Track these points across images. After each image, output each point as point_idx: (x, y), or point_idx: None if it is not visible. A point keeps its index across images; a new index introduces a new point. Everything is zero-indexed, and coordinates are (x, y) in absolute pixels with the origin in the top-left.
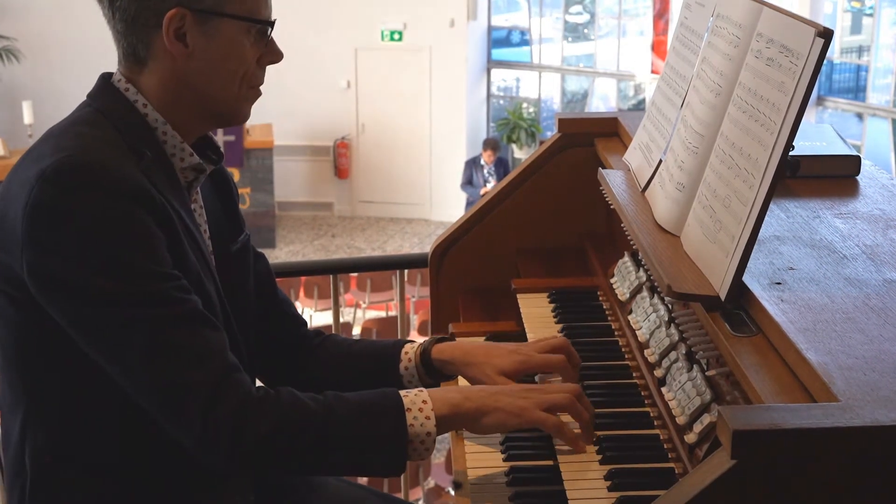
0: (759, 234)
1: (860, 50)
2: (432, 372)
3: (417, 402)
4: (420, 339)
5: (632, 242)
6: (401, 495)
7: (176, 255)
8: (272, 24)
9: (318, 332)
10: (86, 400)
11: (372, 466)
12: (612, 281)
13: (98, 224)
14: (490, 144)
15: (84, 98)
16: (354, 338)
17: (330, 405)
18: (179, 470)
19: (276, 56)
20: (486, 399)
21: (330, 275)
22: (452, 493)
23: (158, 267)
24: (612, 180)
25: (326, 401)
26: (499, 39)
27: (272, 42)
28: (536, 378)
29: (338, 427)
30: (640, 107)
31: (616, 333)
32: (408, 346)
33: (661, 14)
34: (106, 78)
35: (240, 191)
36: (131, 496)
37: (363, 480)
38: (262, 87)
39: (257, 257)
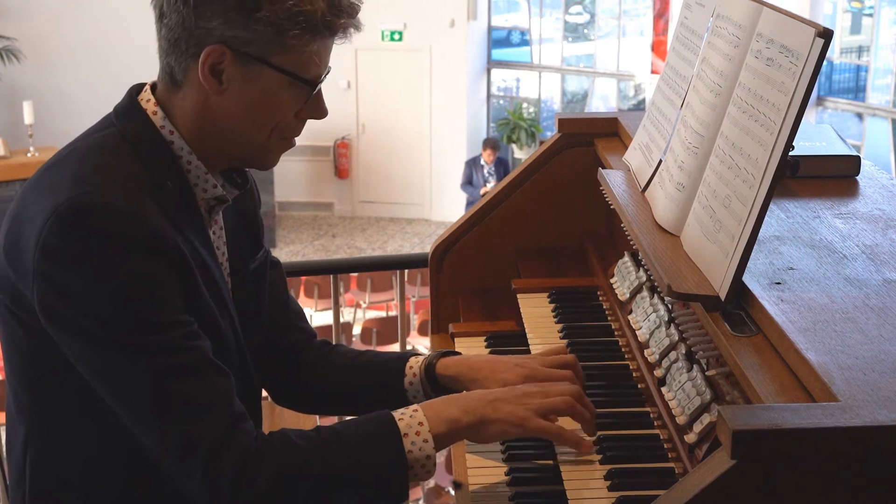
0: (759, 234)
1: (860, 50)
2: (437, 388)
3: (414, 425)
4: (424, 349)
5: (632, 242)
6: None
7: (190, 297)
8: (315, 84)
9: (325, 342)
10: (87, 423)
11: (374, 498)
12: (612, 281)
13: (108, 274)
14: (490, 144)
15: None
16: (360, 349)
17: (326, 446)
18: (176, 498)
19: (319, 114)
20: (485, 409)
21: (330, 275)
22: (452, 493)
23: (168, 316)
24: (612, 180)
25: (322, 440)
26: (499, 39)
27: (319, 98)
28: None
29: (336, 468)
30: (640, 107)
31: (616, 333)
32: (412, 361)
33: (661, 14)
34: (134, 94)
35: None
36: None
37: None
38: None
39: (273, 266)
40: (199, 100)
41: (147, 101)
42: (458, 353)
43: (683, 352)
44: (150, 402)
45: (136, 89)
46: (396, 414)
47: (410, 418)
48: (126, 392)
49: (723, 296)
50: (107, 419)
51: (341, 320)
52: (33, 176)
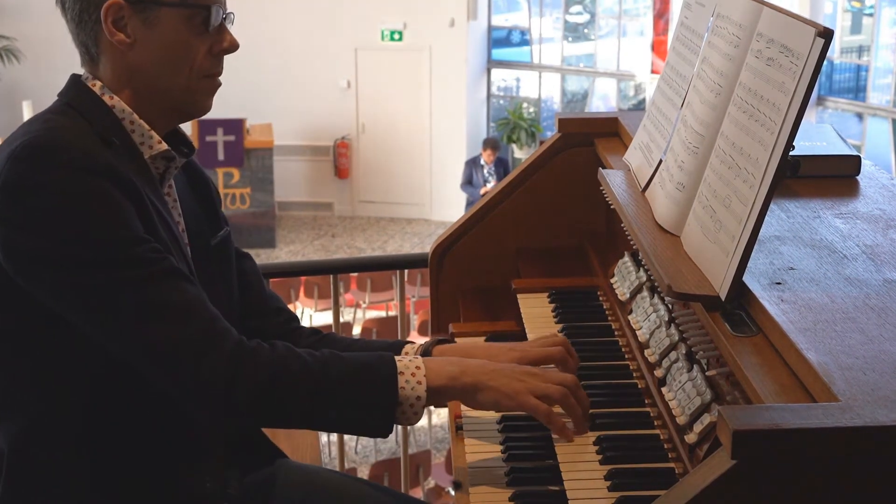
0: (760, 234)
1: (860, 50)
2: None
3: (411, 367)
4: (419, 340)
5: (632, 242)
6: None
7: (146, 229)
8: (210, 9)
9: (316, 330)
10: (62, 378)
11: (360, 425)
12: (612, 281)
13: (67, 197)
14: (490, 144)
15: None
16: (352, 338)
17: (325, 361)
18: (158, 446)
19: (227, 44)
20: (483, 376)
21: (330, 275)
22: (452, 493)
23: (129, 232)
24: (613, 180)
25: (322, 357)
26: (499, 39)
27: (223, 29)
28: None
29: (331, 382)
30: (640, 107)
31: (616, 333)
32: (408, 347)
33: (661, 14)
34: (75, 77)
35: (240, 191)
36: (109, 474)
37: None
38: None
39: (242, 256)
40: (117, 62)
41: (86, 78)
42: (453, 341)
43: (684, 352)
44: (128, 316)
45: (77, 75)
46: (397, 357)
47: (409, 362)
48: (103, 312)
49: (723, 296)
50: (78, 368)
51: (341, 320)
52: None
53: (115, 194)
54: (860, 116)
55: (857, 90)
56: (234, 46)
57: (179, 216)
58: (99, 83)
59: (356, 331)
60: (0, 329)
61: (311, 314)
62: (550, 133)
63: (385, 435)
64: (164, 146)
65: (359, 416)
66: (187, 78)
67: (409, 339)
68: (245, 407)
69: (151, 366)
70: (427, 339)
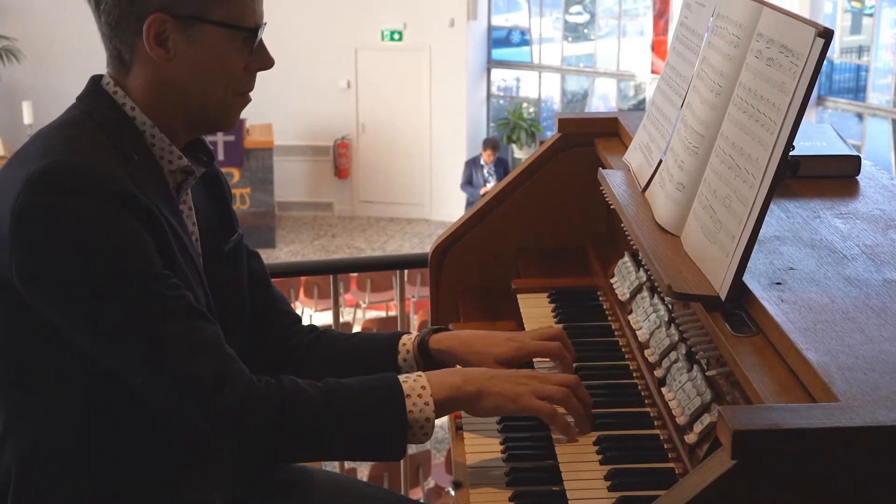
0: (760, 234)
1: (860, 50)
2: (431, 362)
3: (416, 387)
4: (416, 331)
5: (632, 242)
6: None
7: (165, 258)
8: (256, 31)
9: (313, 327)
10: (71, 395)
11: (373, 452)
12: (612, 281)
13: (86, 226)
14: (490, 144)
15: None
16: (350, 332)
17: (331, 392)
18: (164, 463)
19: (265, 63)
20: (485, 383)
21: (330, 275)
22: (452, 493)
23: (149, 266)
24: (613, 180)
25: (327, 388)
26: (499, 39)
27: (262, 48)
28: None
29: (339, 415)
30: (640, 107)
31: (616, 333)
32: (405, 338)
33: (661, 14)
34: (96, 80)
35: (240, 191)
36: (110, 478)
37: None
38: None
39: (252, 256)
40: (151, 73)
41: (107, 83)
42: (450, 329)
43: (683, 352)
44: (142, 351)
45: (97, 77)
46: (401, 377)
47: (414, 381)
48: (118, 344)
49: (723, 296)
50: (88, 387)
51: (341, 320)
52: (3, 165)
53: (133, 224)
54: (860, 116)
55: (856, 90)
56: (271, 64)
57: (194, 225)
58: (121, 91)
59: (356, 331)
60: (20, 341)
61: (311, 314)
62: (550, 133)
63: (398, 458)
64: (184, 161)
65: (370, 446)
66: (223, 95)
67: (404, 330)
68: (254, 447)
69: (164, 401)
70: (423, 329)
